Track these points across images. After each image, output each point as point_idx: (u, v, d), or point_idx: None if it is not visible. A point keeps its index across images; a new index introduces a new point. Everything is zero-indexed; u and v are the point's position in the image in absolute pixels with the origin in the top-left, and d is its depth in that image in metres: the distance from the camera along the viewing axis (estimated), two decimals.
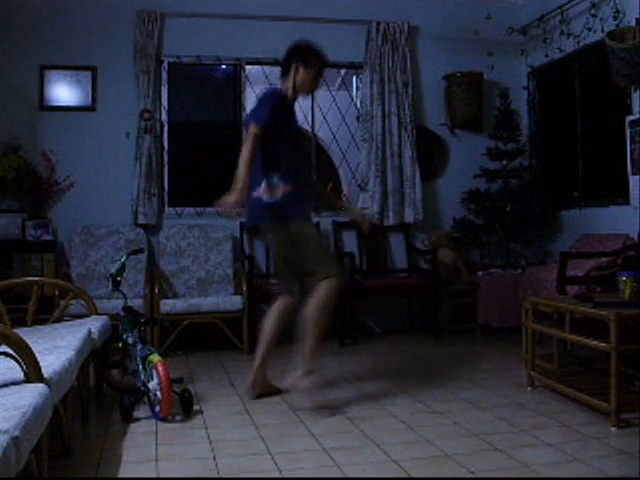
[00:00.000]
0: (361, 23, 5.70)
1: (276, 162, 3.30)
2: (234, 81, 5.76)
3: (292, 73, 3.42)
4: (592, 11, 5.05)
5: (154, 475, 2.41)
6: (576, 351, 4.04)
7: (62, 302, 3.76)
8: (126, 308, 3.50)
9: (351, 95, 6.37)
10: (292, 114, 3.50)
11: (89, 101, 5.34)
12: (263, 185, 3.29)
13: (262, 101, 3.38)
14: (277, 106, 3.31)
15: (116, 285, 3.50)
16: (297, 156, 3.45)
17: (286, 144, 3.36)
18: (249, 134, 3.25)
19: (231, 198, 3.14)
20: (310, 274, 3.26)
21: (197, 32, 5.49)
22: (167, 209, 5.50)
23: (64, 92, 5.31)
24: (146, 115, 5.27)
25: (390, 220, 5.68)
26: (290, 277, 3.41)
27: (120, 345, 3.47)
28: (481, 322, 5.35)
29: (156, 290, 4.80)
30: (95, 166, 5.30)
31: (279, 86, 3.53)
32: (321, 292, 3.21)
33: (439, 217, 5.95)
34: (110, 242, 5.16)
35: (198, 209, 5.55)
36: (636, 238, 4.42)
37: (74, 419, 2.98)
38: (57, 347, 2.59)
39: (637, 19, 4.56)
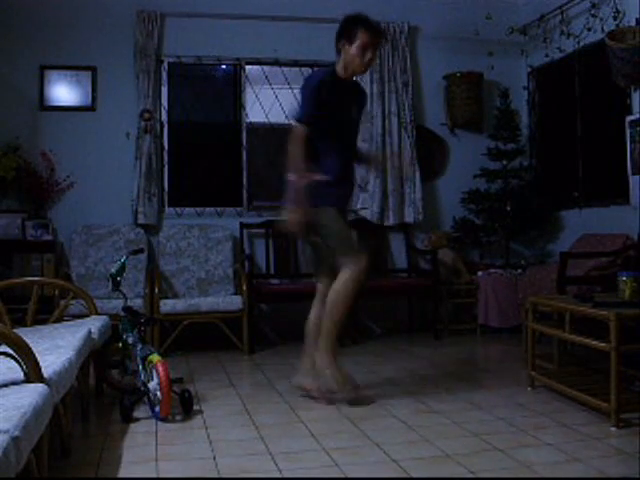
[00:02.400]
0: None
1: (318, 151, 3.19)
2: (234, 81, 5.76)
3: (342, 52, 3.19)
4: (592, 11, 5.05)
5: (154, 475, 2.41)
6: (576, 351, 4.04)
7: (62, 302, 3.76)
8: (126, 308, 3.50)
9: None
10: (348, 98, 3.27)
11: (89, 101, 5.34)
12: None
13: (304, 94, 3.17)
14: (322, 93, 3.13)
15: (116, 285, 3.50)
16: (342, 147, 3.27)
17: (333, 132, 3.20)
18: (294, 134, 3.10)
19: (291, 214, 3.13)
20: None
21: (197, 32, 5.49)
22: (167, 209, 5.50)
23: (64, 92, 5.31)
24: (146, 115, 5.26)
25: (390, 220, 5.68)
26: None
27: (120, 345, 3.47)
28: (481, 322, 5.35)
29: (156, 290, 4.80)
30: (95, 166, 5.30)
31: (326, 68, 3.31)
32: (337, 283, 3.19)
33: (439, 217, 5.95)
34: (110, 242, 5.15)
35: (198, 209, 5.55)
36: (636, 238, 4.42)
37: (74, 419, 2.98)
38: (57, 347, 2.59)
39: (637, 19, 4.56)
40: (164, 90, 5.52)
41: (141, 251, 4.21)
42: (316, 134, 3.18)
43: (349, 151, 3.40)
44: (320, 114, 3.12)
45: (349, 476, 2.36)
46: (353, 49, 3.13)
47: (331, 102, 3.16)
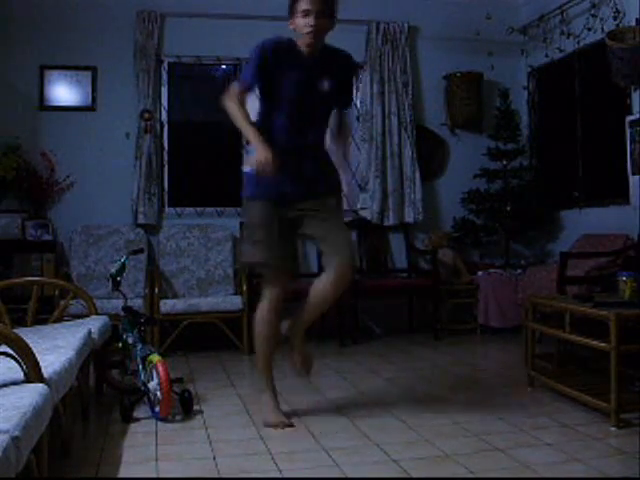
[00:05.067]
0: (361, 23, 5.69)
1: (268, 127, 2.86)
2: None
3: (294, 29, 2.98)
4: (592, 11, 5.05)
5: (154, 475, 2.41)
6: (576, 351, 4.04)
7: (62, 302, 3.76)
8: (126, 308, 3.50)
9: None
10: (308, 72, 2.93)
11: (89, 101, 5.34)
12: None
13: (250, 57, 2.95)
14: (271, 61, 2.89)
15: (116, 285, 3.50)
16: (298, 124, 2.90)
17: (285, 107, 2.90)
18: (228, 94, 2.83)
19: (259, 155, 2.68)
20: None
21: (197, 32, 5.49)
22: (167, 209, 5.50)
23: (64, 92, 5.31)
24: (146, 115, 5.27)
25: (390, 220, 5.68)
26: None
27: (120, 345, 3.47)
28: (481, 322, 5.35)
29: (156, 290, 4.80)
30: (95, 166, 5.29)
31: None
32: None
33: (439, 217, 5.95)
34: (110, 242, 5.15)
35: (198, 209, 5.55)
36: (636, 238, 4.42)
37: (74, 419, 2.98)
38: (57, 347, 2.59)
39: (637, 19, 4.56)
40: (164, 90, 5.52)
41: (141, 251, 4.21)
42: (263, 105, 2.96)
43: (303, 130, 2.94)
44: (266, 82, 2.91)
45: (349, 476, 2.36)
46: (297, 19, 3.03)
47: (283, 72, 2.92)
